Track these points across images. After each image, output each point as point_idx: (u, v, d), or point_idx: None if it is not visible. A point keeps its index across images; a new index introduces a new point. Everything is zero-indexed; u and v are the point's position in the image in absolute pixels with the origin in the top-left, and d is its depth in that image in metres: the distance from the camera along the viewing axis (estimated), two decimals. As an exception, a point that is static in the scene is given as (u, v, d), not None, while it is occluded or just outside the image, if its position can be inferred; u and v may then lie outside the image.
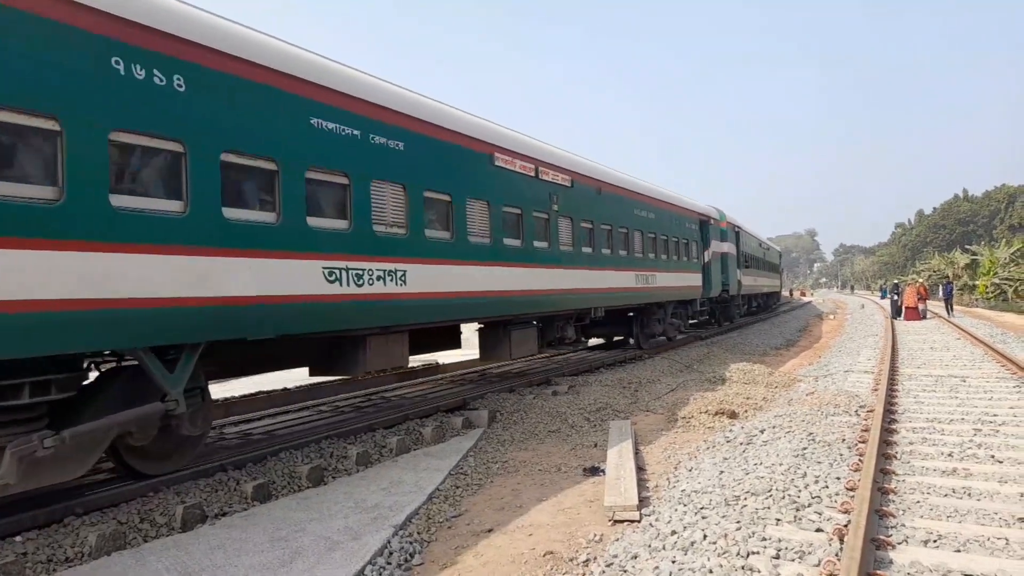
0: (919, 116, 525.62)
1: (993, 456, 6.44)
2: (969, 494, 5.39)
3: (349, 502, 6.00)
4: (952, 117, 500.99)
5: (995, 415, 8.35)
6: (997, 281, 43.30)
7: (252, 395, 10.84)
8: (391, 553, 4.94)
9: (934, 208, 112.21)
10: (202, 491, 6.02)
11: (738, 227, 26.91)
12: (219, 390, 13.03)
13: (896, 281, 37.09)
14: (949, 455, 6.55)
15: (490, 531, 5.49)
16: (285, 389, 10.93)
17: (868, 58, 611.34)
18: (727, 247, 24.25)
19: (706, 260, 21.51)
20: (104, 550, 4.83)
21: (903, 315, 28.56)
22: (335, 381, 11.36)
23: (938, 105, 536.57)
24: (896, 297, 30.17)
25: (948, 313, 30.52)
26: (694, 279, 20.32)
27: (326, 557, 4.78)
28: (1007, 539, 4.40)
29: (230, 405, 10.06)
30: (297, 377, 10.93)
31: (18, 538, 4.84)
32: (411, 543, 5.17)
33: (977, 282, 46.19)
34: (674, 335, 19.92)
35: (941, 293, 35.45)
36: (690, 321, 23.15)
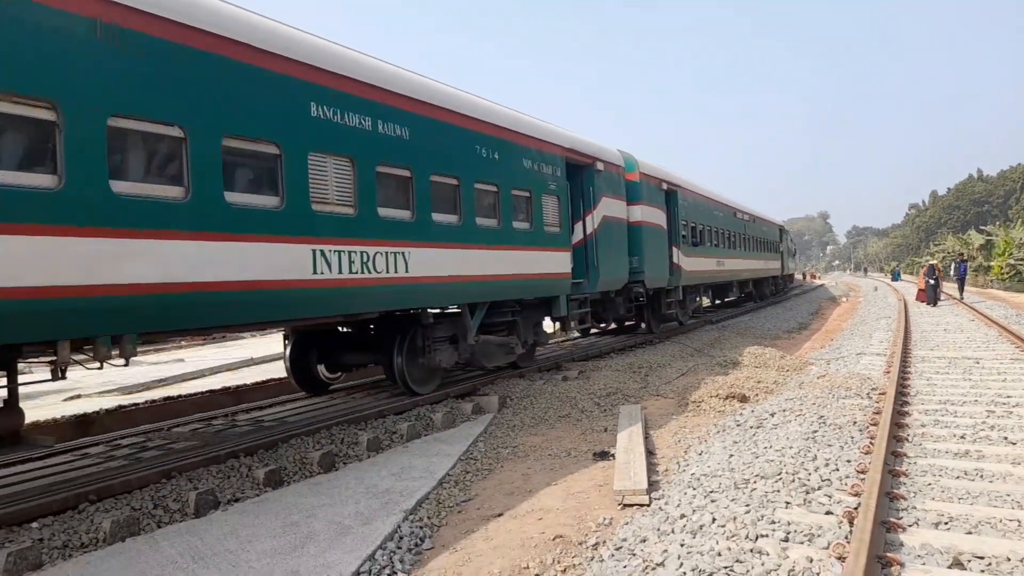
0: (931, 96, 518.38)
1: (1006, 438, 6.39)
2: (981, 476, 5.35)
3: (360, 487, 6.04)
4: (965, 97, 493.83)
5: (1009, 396, 8.28)
6: (1012, 262, 42.81)
7: (263, 383, 10.93)
8: (401, 538, 4.97)
9: (948, 189, 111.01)
10: (214, 477, 6.08)
11: (674, 184, 17.91)
12: (231, 379, 13.14)
13: (932, 262, 29.99)
14: (962, 437, 6.50)
15: (500, 515, 5.52)
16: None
17: (879, 39, 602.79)
18: (645, 212, 15.54)
19: (588, 230, 12.99)
20: (119, 536, 4.89)
21: (916, 296, 27.47)
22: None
23: (950, 85, 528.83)
24: (934, 281, 25.52)
25: (960, 295, 27.45)
26: (549, 260, 11.43)
27: (337, 542, 4.82)
28: (1019, 521, 4.36)
29: (241, 393, 10.15)
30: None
31: (35, 524, 4.91)
32: (421, 527, 5.21)
33: (992, 263, 45.68)
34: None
35: (953, 272, 30.19)
36: (554, 330, 15.62)
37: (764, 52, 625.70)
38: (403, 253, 8.22)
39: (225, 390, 10.63)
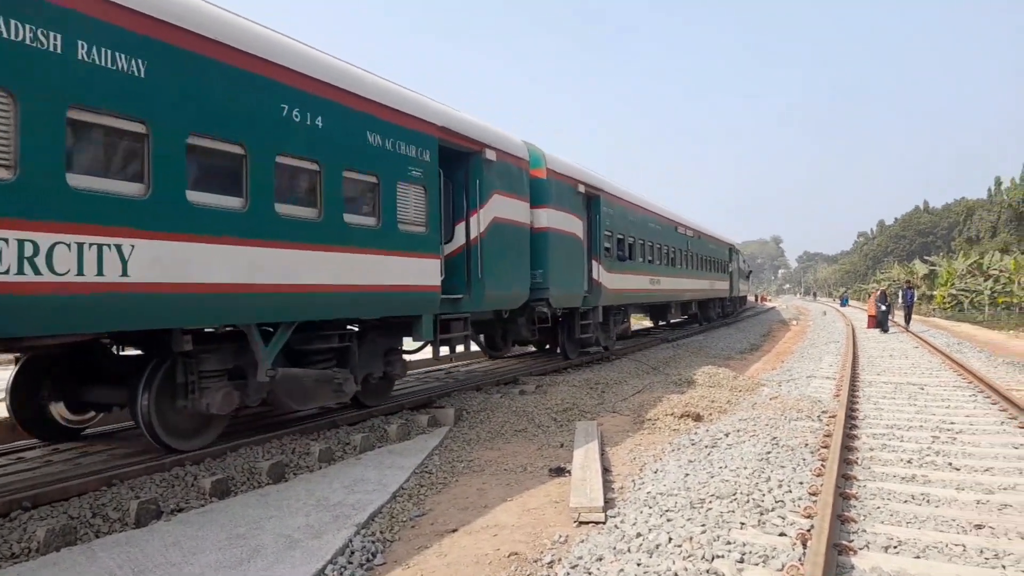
0: (885, 128, 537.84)
1: (951, 463, 6.57)
2: (928, 500, 5.48)
3: (311, 500, 5.88)
4: (917, 132, 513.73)
5: (952, 423, 8.53)
6: (954, 292, 44.52)
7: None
8: (352, 552, 4.84)
9: (895, 219, 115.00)
10: (158, 486, 5.85)
11: (596, 188, 15.22)
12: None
13: (882, 288, 30.15)
14: (908, 462, 6.66)
15: (454, 531, 5.43)
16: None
17: (836, 69, 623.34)
18: (555, 217, 13.08)
19: (472, 234, 10.51)
20: (53, 545, 4.65)
21: (867, 323, 27.82)
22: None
23: (903, 118, 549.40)
24: (885, 307, 25.53)
25: (907, 323, 27.13)
26: (407, 268, 8.78)
27: (285, 556, 4.67)
28: (964, 545, 4.47)
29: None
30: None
31: (-40, 533, 4.64)
32: (373, 542, 5.08)
33: (935, 292, 47.41)
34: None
35: (901, 300, 29.68)
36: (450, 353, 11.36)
37: (712, 78, 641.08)
38: (118, 247, 5.40)
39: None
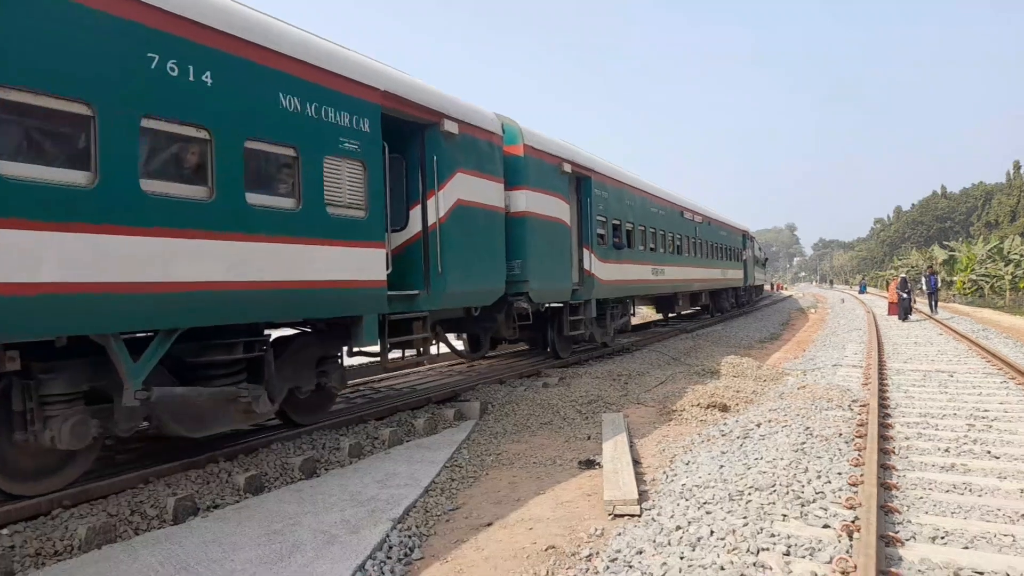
0: (901, 113, 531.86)
1: (989, 452, 6.47)
2: (970, 490, 5.40)
3: (344, 495, 5.89)
4: (933, 114, 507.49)
5: (987, 411, 8.41)
6: (974, 277, 43.98)
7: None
8: (391, 547, 4.84)
9: (912, 204, 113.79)
10: (193, 483, 5.87)
11: (586, 168, 13.61)
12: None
13: (903, 275, 28.47)
14: (946, 450, 6.57)
15: (489, 525, 5.41)
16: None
17: (850, 58, 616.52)
18: (535, 201, 11.56)
19: (430, 219, 8.98)
20: (95, 543, 4.68)
21: (887, 309, 27.48)
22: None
23: (920, 102, 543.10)
24: (907, 294, 24.50)
25: (932, 310, 26.68)
26: (338, 261, 7.28)
27: (325, 551, 4.67)
28: (1013, 536, 4.40)
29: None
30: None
31: (4, 531, 4.67)
32: (410, 537, 5.08)
33: (955, 278, 46.86)
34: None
35: (924, 286, 29.09)
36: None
37: (726, 63, 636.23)
38: None
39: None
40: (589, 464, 6.94)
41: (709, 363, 13.54)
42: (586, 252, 13.66)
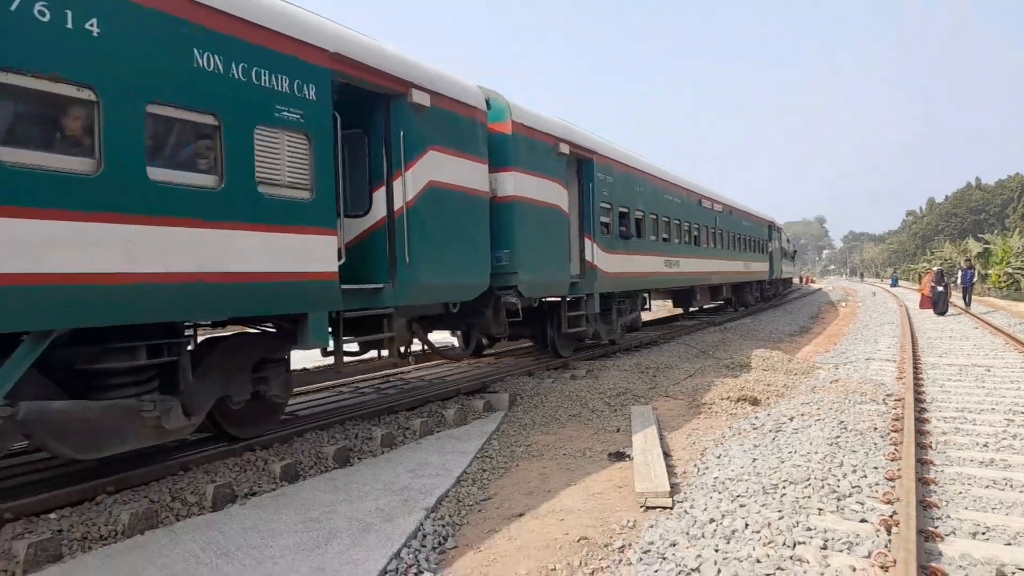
0: (934, 102, 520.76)
1: (1030, 447, 6.35)
2: (1011, 485, 5.30)
3: (377, 484, 5.96)
4: (965, 104, 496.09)
5: (1026, 405, 8.25)
6: (1010, 271, 42.97)
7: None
8: (424, 536, 4.90)
9: (946, 196, 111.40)
10: (231, 470, 5.99)
11: (587, 150, 12.46)
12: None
13: (939, 267, 27.41)
14: (985, 445, 6.46)
15: (521, 515, 5.45)
16: (304, 369, 10.88)
17: (879, 42, 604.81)
18: (527, 184, 10.41)
19: (396, 203, 7.82)
20: (137, 528, 4.80)
21: (919, 303, 27.18)
22: (354, 361, 11.23)
23: (952, 91, 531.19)
24: (943, 287, 23.53)
25: (966, 304, 26.07)
26: (276, 249, 6.18)
27: (360, 539, 4.74)
28: (1057, 533, 4.32)
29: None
30: (313, 356, 10.65)
31: (52, 515, 4.81)
32: (443, 526, 5.14)
33: (989, 271, 45.83)
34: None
35: (959, 280, 28.25)
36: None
37: (753, 50, 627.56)
38: None
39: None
40: (619, 456, 6.95)
41: (738, 356, 13.43)
42: (588, 242, 12.52)
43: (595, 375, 11.39)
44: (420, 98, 7.95)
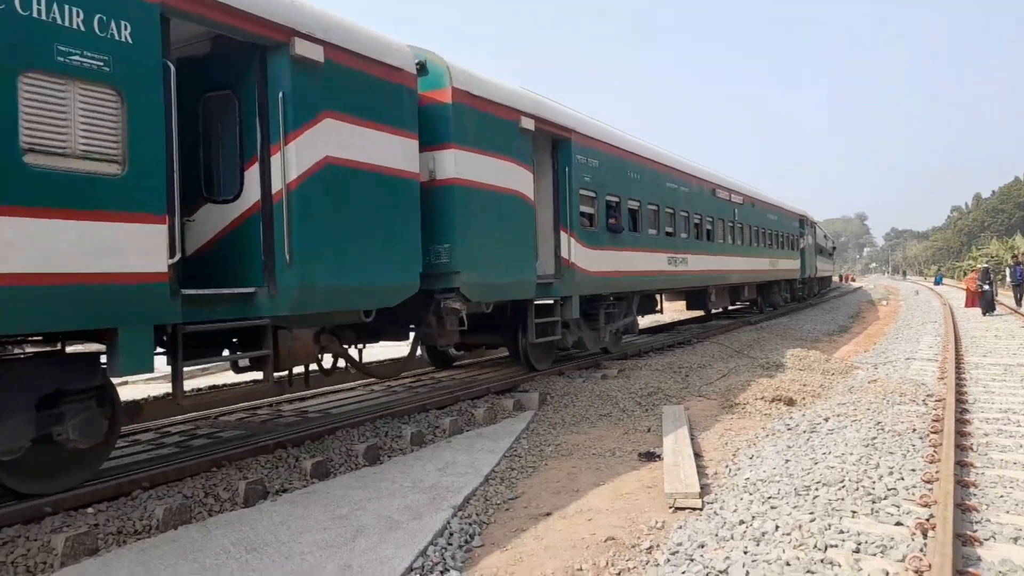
0: (976, 95, 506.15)
1: (1077, 450, 6.12)
2: (1056, 490, 5.12)
3: (406, 481, 6.00)
4: (1010, 95, 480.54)
5: (1074, 407, 7.95)
6: (1061, 267, 41.55)
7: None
8: (451, 534, 4.91)
9: (993, 191, 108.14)
10: (262, 467, 6.08)
11: (561, 128, 10.74)
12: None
13: (986, 265, 26.25)
14: (1029, 448, 6.25)
15: (548, 515, 5.43)
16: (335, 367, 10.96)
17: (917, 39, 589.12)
18: (476, 165, 8.68)
19: (275, 184, 6.17)
20: (171, 523, 4.89)
21: (965, 301, 25.99)
22: (385, 360, 11.32)
23: (995, 83, 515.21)
24: (989, 285, 22.45)
25: (1018, 303, 24.52)
26: (66, 240, 4.54)
27: (388, 536, 4.77)
28: (1104, 539, 4.15)
29: (283, 383, 10.11)
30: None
31: (90, 509, 4.94)
32: (470, 524, 5.14)
33: (1039, 268, 44.38)
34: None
35: (1009, 278, 26.65)
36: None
37: (785, 44, 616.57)
38: None
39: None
40: (649, 456, 6.88)
41: (774, 356, 13.21)
42: (565, 236, 10.74)
43: (627, 375, 11.31)
44: (308, 50, 6.25)
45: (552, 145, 10.78)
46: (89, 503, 5.03)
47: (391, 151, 7.28)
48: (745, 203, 21.03)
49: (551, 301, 10.57)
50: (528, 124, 9.68)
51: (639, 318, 15.27)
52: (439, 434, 7.65)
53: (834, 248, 51.74)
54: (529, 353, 10.74)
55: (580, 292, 11.21)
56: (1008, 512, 4.67)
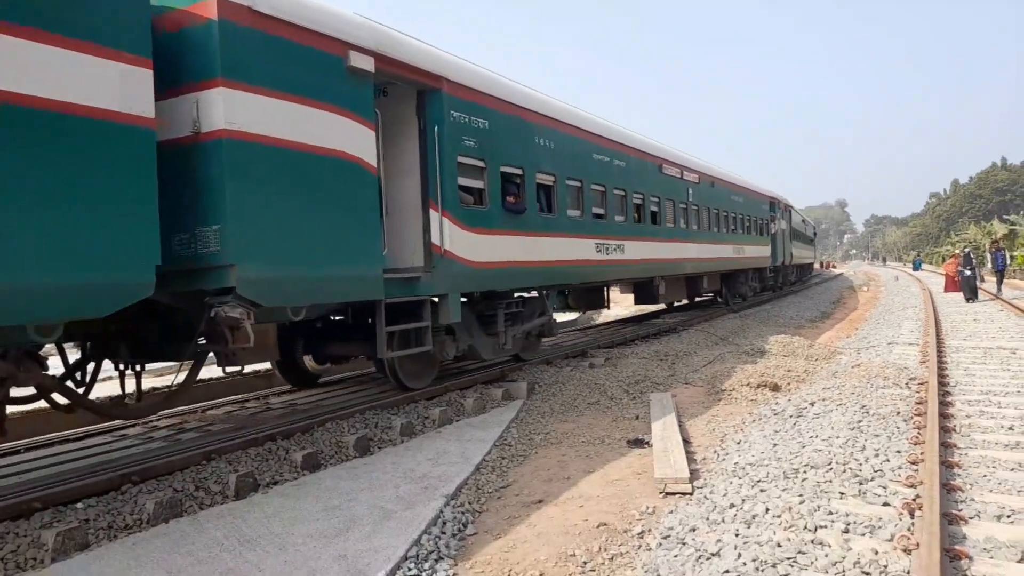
0: (954, 81, 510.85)
1: (1057, 430, 6.24)
2: (1037, 468, 5.22)
3: (398, 472, 6.00)
4: (989, 83, 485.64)
5: (1052, 388, 8.11)
6: (1037, 252, 42.22)
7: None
8: (445, 523, 4.93)
9: (970, 178, 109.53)
10: (253, 460, 6.04)
11: (427, 73, 8.02)
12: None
13: (967, 250, 24.98)
14: (1010, 428, 6.37)
15: (540, 502, 5.46)
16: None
17: (902, 23, 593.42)
18: (265, 110, 5.96)
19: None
20: (162, 517, 4.87)
21: (944, 286, 26.13)
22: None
23: (973, 70, 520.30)
24: (971, 271, 21.74)
25: (998, 290, 23.64)
26: None
27: (381, 526, 4.78)
28: (1085, 515, 4.25)
29: (273, 375, 10.11)
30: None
31: (79, 504, 4.89)
32: (463, 513, 5.16)
33: (1015, 253, 45.04)
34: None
35: (990, 264, 26.66)
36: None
37: (771, 29, 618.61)
38: None
39: (256, 373, 10.64)
40: (638, 443, 6.94)
41: (758, 343, 13.33)
42: (436, 216, 8.22)
43: (614, 363, 11.37)
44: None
45: (418, 98, 8.32)
46: (79, 498, 4.99)
47: (83, 83, 4.72)
48: (702, 182, 18.34)
49: (419, 300, 8.04)
50: (362, 62, 7.07)
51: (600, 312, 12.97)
52: (429, 424, 7.65)
53: (815, 234, 50.96)
54: (397, 368, 8.44)
55: (462, 289, 8.86)
56: (991, 491, 4.77)
